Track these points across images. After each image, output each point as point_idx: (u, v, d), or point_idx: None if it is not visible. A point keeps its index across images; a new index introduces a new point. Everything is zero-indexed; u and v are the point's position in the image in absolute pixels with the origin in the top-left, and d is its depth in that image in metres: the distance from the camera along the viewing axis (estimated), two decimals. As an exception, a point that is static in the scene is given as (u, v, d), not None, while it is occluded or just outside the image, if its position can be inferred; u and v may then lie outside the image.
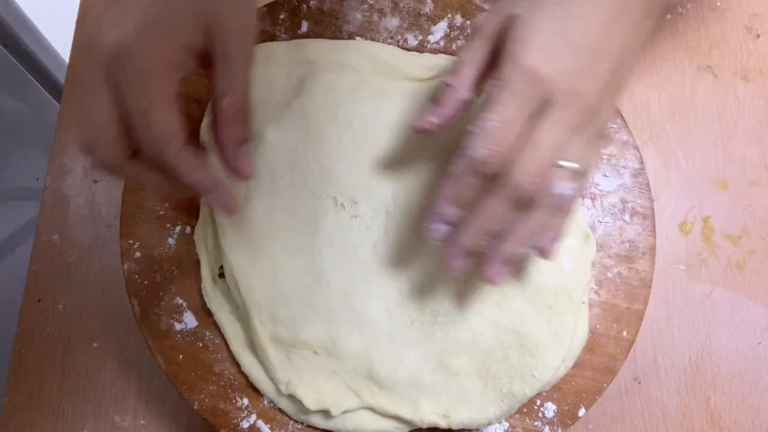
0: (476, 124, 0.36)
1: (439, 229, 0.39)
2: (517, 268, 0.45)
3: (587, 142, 0.38)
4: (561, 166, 0.37)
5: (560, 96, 0.36)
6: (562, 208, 0.38)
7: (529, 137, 0.36)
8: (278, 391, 0.45)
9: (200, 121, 0.50)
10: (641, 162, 0.50)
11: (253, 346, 0.46)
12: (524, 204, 0.37)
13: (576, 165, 0.38)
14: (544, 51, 0.36)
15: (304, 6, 0.52)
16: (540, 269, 0.45)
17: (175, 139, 0.35)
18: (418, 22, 0.51)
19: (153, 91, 0.34)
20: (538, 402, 0.46)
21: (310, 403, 0.44)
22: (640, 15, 0.38)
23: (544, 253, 0.40)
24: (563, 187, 0.37)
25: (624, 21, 0.37)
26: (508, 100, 0.36)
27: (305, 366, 0.45)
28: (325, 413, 0.45)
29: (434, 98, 0.41)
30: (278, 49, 0.51)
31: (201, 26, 0.35)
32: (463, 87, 0.39)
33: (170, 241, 0.48)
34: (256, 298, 0.45)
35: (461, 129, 0.47)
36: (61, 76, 0.91)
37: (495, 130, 0.36)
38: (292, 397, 0.45)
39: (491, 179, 0.37)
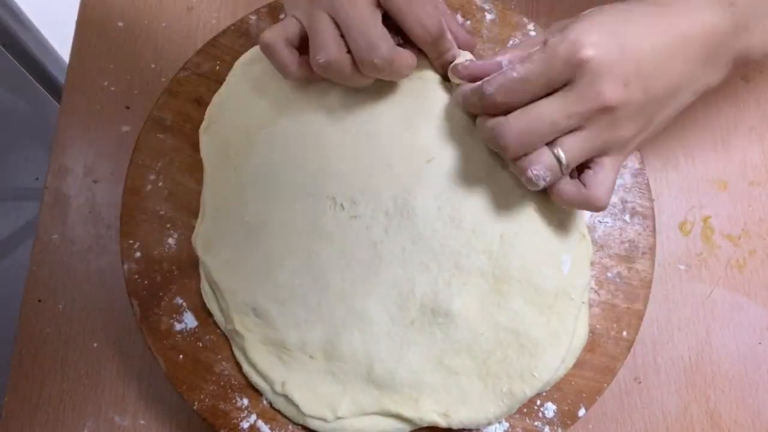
0: (505, 68, 0.40)
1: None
2: None
3: (584, 142, 0.39)
4: (548, 147, 0.39)
5: (583, 85, 0.37)
6: (528, 183, 0.41)
7: (534, 104, 0.38)
8: (276, 392, 0.45)
9: (200, 122, 0.50)
10: (641, 162, 0.50)
11: (244, 351, 0.46)
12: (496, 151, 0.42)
13: (561, 153, 0.39)
14: (593, 37, 0.37)
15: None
16: (540, 269, 0.45)
17: (385, 40, 0.41)
18: (418, 22, 0.51)
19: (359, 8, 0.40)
20: (538, 402, 0.46)
21: (306, 407, 0.44)
22: (700, 58, 0.38)
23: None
24: (538, 170, 0.39)
25: (678, 58, 0.38)
26: (539, 59, 0.38)
27: (300, 368, 0.45)
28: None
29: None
30: (278, 49, 0.51)
31: None
32: (504, 56, 0.42)
33: (170, 241, 0.48)
34: (245, 300, 0.45)
35: (461, 133, 0.47)
36: (61, 76, 0.91)
37: (511, 80, 0.39)
38: (289, 400, 0.45)
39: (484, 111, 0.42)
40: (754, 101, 0.57)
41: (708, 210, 0.56)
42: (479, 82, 0.42)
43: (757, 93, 0.58)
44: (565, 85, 0.38)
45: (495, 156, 0.47)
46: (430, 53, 0.46)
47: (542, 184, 0.40)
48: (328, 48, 0.41)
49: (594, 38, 0.37)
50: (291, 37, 0.43)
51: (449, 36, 0.45)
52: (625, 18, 0.38)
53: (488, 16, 0.53)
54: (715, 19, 0.38)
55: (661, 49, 0.38)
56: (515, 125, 0.39)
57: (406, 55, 0.42)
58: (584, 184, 0.41)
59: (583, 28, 0.38)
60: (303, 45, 0.43)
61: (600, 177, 0.40)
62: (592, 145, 0.39)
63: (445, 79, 0.48)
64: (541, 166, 0.39)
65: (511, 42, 0.52)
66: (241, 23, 0.52)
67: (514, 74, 0.39)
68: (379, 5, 0.41)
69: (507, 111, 0.40)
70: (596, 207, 0.41)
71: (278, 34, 0.42)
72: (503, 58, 0.42)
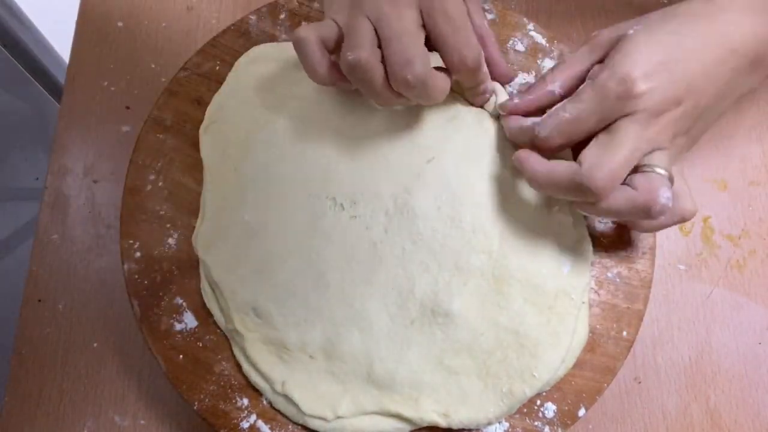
0: (556, 109, 0.40)
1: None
2: None
3: (664, 156, 0.39)
4: (651, 169, 0.39)
5: (642, 114, 0.37)
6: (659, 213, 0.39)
7: (608, 129, 0.38)
8: (276, 391, 0.45)
9: (200, 122, 0.50)
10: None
11: (244, 351, 0.46)
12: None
13: (662, 171, 0.39)
14: (643, 68, 0.37)
15: (305, 6, 0.52)
16: (540, 270, 0.45)
17: (423, 59, 0.40)
18: (418, 22, 0.51)
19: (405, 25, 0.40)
20: (538, 402, 0.46)
21: (306, 407, 0.44)
22: (746, 68, 0.39)
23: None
24: (666, 196, 0.38)
25: (726, 67, 0.38)
26: (590, 98, 0.38)
27: (300, 368, 0.45)
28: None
29: (527, 89, 0.45)
30: (277, 49, 0.51)
31: None
32: (554, 83, 0.42)
33: (170, 241, 0.48)
34: (245, 299, 0.45)
35: (461, 132, 0.47)
36: (61, 76, 0.91)
37: (565, 121, 0.39)
38: (289, 400, 0.45)
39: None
40: (754, 102, 0.57)
41: (708, 210, 0.56)
42: (530, 123, 0.42)
43: (757, 94, 0.58)
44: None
45: (495, 156, 0.47)
46: (463, 81, 0.45)
47: (669, 204, 0.39)
48: (362, 47, 0.39)
49: (644, 69, 0.37)
50: (326, 38, 0.41)
51: (485, 69, 0.44)
52: (673, 38, 0.38)
53: (488, 16, 0.53)
54: (764, 27, 0.38)
55: (710, 64, 0.38)
56: (606, 167, 0.38)
57: (441, 79, 0.41)
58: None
59: (633, 60, 0.38)
60: (337, 50, 0.42)
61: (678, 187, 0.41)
62: (669, 157, 0.40)
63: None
64: (665, 188, 0.38)
65: (511, 42, 0.52)
66: (241, 23, 0.52)
67: (567, 115, 0.39)
68: (423, 27, 0.40)
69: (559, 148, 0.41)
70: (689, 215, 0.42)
71: (313, 32, 0.41)
72: (554, 86, 0.42)
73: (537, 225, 0.46)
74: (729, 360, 0.53)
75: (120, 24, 0.58)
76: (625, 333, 0.47)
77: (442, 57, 0.42)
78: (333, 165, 0.46)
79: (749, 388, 0.52)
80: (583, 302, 0.47)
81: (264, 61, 0.50)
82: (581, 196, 0.39)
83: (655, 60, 0.38)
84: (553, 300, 0.45)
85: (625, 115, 0.38)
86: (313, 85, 0.48)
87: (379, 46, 0.40)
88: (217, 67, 0.51)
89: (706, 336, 0.53)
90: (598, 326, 0.47)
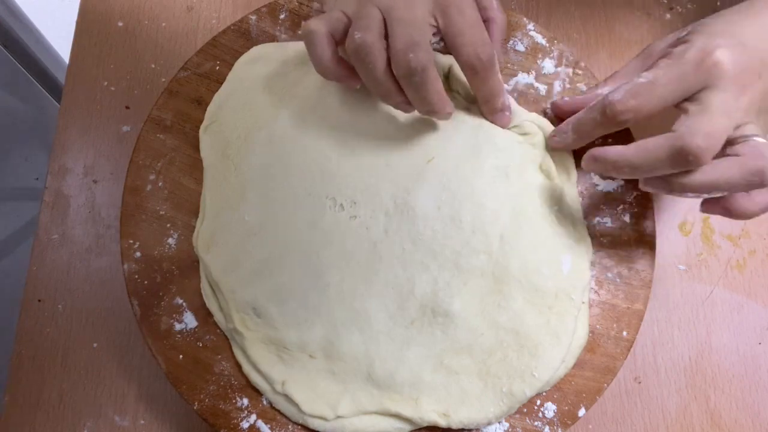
0: (626, 81, 0.39)
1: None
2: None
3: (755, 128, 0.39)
4: (752, 139, 0.38)
5: (727, 83, 0.37)
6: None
7: (697, 97, 0.37)
8: (276, 391, 0.45)
9: (200, 122, 0.50)
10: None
11: (244, 350, 0.46)
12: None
13: (764, 140, 0.38)
14: (718, 41, 0.37)
15: (305, 6, 0.52)
16: (540, 270, 0.45)
17: (427, 51, 0.40)
18: (418, 22, 0.51)
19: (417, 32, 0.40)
20: (538, 402, 0.46)
21: (306, 406, 0.44)
22: None
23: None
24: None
25: None
26: (668, 65, 0.38)
27: (300, 367, 0.45)
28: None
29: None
30: (277, 49, 0.51)
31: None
32: (604, 88, 0.43)
33: (170, 241, 0.48)
34: (245, 299, 0.45)
35: (461, 132, 0.47)
36: (61, 76, 0.91)
37: (640, 86, 0.38)
38: (289, 399, 0.45)
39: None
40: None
41: (708, 210, 0.55)
42: (599, 98, 0.41)
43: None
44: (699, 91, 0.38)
45: (495, 156, 0.47)
46: (477, 89, 0.44)
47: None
48: (369, 29, 0.39)
49: (720, 41, 0.37)
50: (335, 31, 0.41)
51: (499, 77, 0.44)
52: (741, 21, 0.39)
53: (488, 16, 0.53)
54: None
55: None
56: (704, 130, 0.37)
57: (440, 82, 0.41)
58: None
59: (707, 35, 0.38)
60: (344, 41, 0.42)
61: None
62: (762, 132, 0.39)
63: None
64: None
65: (511, 42, 0.52)
66: (241, 23, 0.52)
67: (642, 80, 0.38)
68: (435, 26, 0.40)
69: (626, 127, 0.40)
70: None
71: (323, 25, 0.41)
72: (603, 89, 0.42)
73: (537, 225, 0.46)
74: (729, 360, 0.53)
75: (120, 24, 0.58)
76: (625, 333, 0.47)
77: (454, 53, 0.42)
78: (333, 165, 0.46)
79: (749, 388, 0.52)
80: (583, 302, 0.47)
81: (264, 61, 0.50)
82: (680, 164, 0.37)
83: (728, 35, 0.38)
84: (553, 300, 0.45)
85: (708, 87, 0.37)
86: (313, 85, 0.48)
87: (386, 39, 0.40)
88: (217, 67, 0.51)
89: (706, 336, 0.53)
90: (598, 326, 0.47)
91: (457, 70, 0.48)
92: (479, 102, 0.46)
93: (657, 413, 0.52)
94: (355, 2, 0.41)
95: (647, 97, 0.38)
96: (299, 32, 0.42)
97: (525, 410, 0.46)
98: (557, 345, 0.45)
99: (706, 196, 0.39)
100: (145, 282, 0.47)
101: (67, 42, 0.59)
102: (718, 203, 0.40)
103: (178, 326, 0.47)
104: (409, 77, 0.40)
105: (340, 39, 0.42)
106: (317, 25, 0.41)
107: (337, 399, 0.45)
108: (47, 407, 0.51)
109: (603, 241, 0.49)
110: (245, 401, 0.46)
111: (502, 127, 0.47)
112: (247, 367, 0.46)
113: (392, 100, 0.43)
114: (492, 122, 0.47)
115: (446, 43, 0.42)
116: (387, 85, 0.41)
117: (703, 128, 0.36)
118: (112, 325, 0.52)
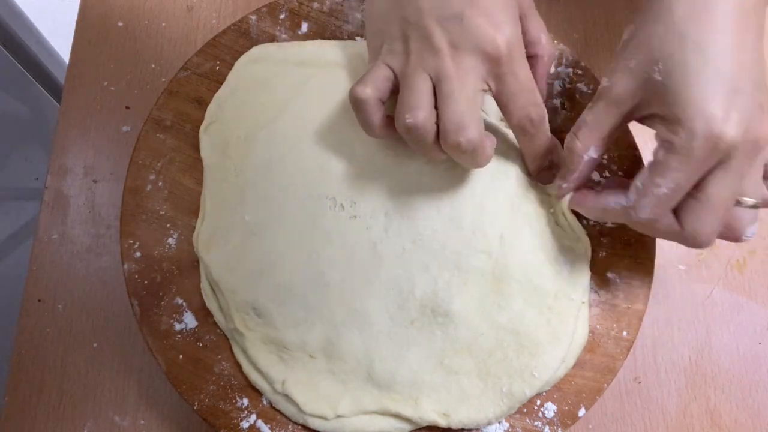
0: (646, 186, 0.37)
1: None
2: None
3: (756, 173, 0.38)
4: (740, 204, 0.38)
5: (743, 149, 0.35)
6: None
7: (703, 190, 0.36)
8: (276, 391, 0.45)
9: (200, 122, 0.50)
10: (642, 162, 0.50)
11: (245, 350, 0.46)
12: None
13: (752, 200, 0.38)
14: (717, 106, 0.34)
15: (305, 6, 0.52)
16: (540, 270, 0.45)
17: (478, 125, 0.39)
18: (418, 22, 0.51)
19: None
20: (538, 402, 0.46)
21: (306, 406, 0.44)
22: (756, 36, 0.37)
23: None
24: (752, 231, 0.39)
25: (747, 48, 0.36)
26: (682, 166, 0.35)
27: (300, 367, 0.45)
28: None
29: (562, 161, 0.43)
30: (277, 49, 0.51)
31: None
32: (588, 150, 0.40)
33: (170, 241, 0.48)
34: (245, 299, 0.45)
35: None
36: (61, 76, 0.91)
37: (664, 197, 0.36)
38: (289, 399, 0.45)
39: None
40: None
41: (708, 210, 0.55)
42: (613, 204, 0.40)
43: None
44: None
45: (495, 156, 0.47)
46: (524, 147, 0.44)
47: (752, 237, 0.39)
48: (420, 110, 0.39)
49: (718, 106, 0.34)
50: (383, 94, 0.41)
51: (549, 134, 0.43)
52: (703, 61, 0.35)
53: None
54: None
55: (739, 54, 0.35)
56: (708, 231, 0.37)
57: (489, 145, 0.40)
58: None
59: (700, 105, 0.34)
60: (392, 96, 0.42)
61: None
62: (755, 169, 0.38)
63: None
64: (752, 226, 0.39)
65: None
66: (241, 23, 0.52)
67: (663, 190, 0.36)
68: (487, 89, 0.40)
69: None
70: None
71: (371, 91, 0.40)
72: (590, 153, 0.41)
73: (537, 225, 0.46)
74: (729, 360, 0.53)
75: (120, 24, 0.58)
76: (625, 333, 0.47)
77: (505, 115, 0.41)
78: (333, 165, 0.46)
79: (749, 388, 0.52)
80: (583, 302, 0.47)
81: (264, 61, 0.50)
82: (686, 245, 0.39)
83: (719, 84, 0.34)
84: (553, 300, 0.45)
85: (717, 167, 0.36)
86: (312, 85, 0.48)
87: (435, 105, 0.39)
88: (217, 67, 0.51)
89: (706, 336, 0.53)
90: (598, 326, 0.47)
91: None
92: (526, 159, 0.45)
93: (657, 413, 0.52)
94: (403, 60, 0.40)
95: (671, 205, 0.37)
96: (348, 96, 0.41)
97: (525, 410, 0.46)
98: (557, 345, 0.45)
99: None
100: (145, 282, 0.47)
101: (67, 42, 0.59)
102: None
103: (178, 326, 0.47)
104: (458, 155, 0.40)
105: (386, 97, 0.41)
106: (364, 92, 0.40)
107: (337, 399, 0.45)
108: (47, 407, 0.51)
109: (603, 241, 0.49)
110: (245, 401, 0.46)
111: (543, 184, 0.47)
112: (247, 367, 0.46)
113: (437, 160, 0.42)
114: (535, 180, 0.47)
115: (498, 104, 0.41)
116: (434, 153, 0.41)
117: (707, 229, 0.37)
118: (112, 325, 0.52)
